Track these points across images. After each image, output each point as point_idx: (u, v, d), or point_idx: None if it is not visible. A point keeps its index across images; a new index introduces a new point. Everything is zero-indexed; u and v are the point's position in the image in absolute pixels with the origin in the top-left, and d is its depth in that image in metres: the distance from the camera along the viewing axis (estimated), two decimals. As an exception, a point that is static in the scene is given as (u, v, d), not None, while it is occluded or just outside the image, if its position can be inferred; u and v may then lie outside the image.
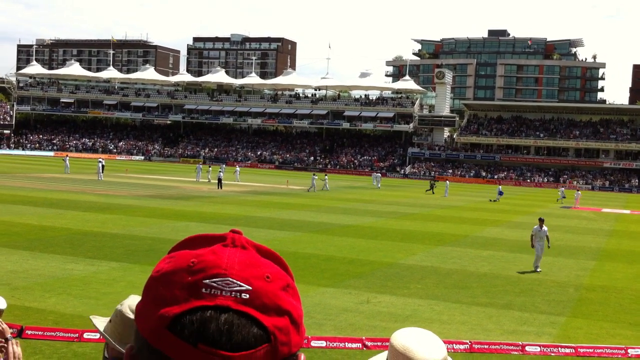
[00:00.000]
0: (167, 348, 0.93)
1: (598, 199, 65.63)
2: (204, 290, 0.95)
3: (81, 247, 19.95)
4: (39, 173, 56.76)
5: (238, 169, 64.59)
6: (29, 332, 10.87)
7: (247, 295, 0.96)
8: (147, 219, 27.63)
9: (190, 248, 1.03)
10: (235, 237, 1.03)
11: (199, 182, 57.07)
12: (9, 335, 4.10)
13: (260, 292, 0.97)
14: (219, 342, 0.92)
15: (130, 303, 2.90)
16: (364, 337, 11.67)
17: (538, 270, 20.05)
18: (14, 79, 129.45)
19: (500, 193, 55.66)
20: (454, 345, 11.51)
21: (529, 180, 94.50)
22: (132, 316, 2.81)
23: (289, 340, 0.98)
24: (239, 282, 0.96)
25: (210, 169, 62.96)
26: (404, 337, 1.88)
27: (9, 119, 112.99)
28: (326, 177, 56.98)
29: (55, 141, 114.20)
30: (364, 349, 11.34)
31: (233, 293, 0.95)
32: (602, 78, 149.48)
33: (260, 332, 0.95)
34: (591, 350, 11.78)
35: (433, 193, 57.46)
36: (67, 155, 68.09)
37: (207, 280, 0.96)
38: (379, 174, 70.52)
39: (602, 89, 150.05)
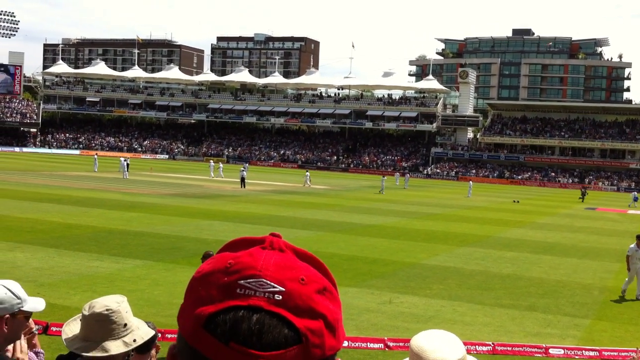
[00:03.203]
0: (202, 346, 0.95)
1: (624, 200, 64.82)
2: (238, 290, 0.97)
3: (106, 244, 20.14)
4: (65, 171, 57.38)
5: (221, 165, 66.35)
6: (54, 328, 11.00)
7: (280, 297, 0.97)
8: (171, 218, 27.83)
9: (232, 250, 1.05)
10: (273, 240, 1.05)
11: (212, 180, 57.75)
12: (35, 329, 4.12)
13: (294, 294, 0.98)
14: (249, 342, 0.93)
15: (93, 300, 2.97)
16: (386, 338, 11.66)
17: None
18: (40, 78, 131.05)
19: (635, 199, 56.05)
20: (477, 347, 11.46)
21: (553, 181, 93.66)
22: (85, 312, 2.90)
23: (322, 343, 0.99)
24: (272, 284, 0.98)
25: (222, 166, 65.84)
26: (421, 339, 1.90)
27: (35, 117, 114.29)
28: (384, 178, 57.19)
29: (81, 140, 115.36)
30: (386, 349, 11.34)
31: (266, 294, 0.97)
32: (628, 78, 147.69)
33: (292, 334, 0.95)
34: (616, 353, 11.66)
35: (582, 201, 58.20)
36: (96, 154, 69.00)
37: (242, 281, 0.98)
38: (407, 175, 70.70)
39: (628, 89, 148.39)
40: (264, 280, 0.98)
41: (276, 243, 1.04)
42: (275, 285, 0.98)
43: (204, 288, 1.01)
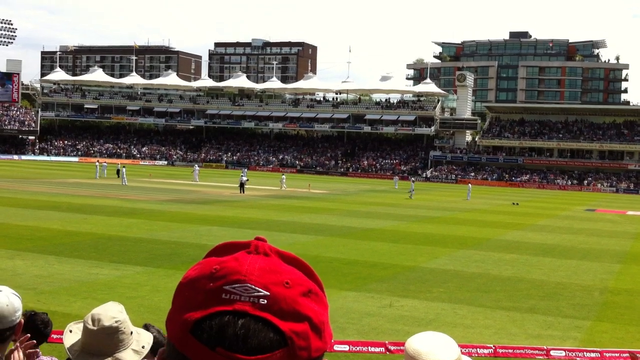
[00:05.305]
0: (189, 351, 0.97)
1: (622, 202, 64.90)
2: (223, 295, 0.99)
3: (106, 251, 20.13)
4: (64, 178, 57.37)
5: (197, 168, 66.27)
6: (54, 336, 10.97)
7: (265, 301, 0.98)
8: (171, 224, 27.82)
9: (218, 255, 1.06)
10: (258, 244, 1.06)
11: (197, 184, 58.33)
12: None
13: (279, 298, 0.99)
14: (235, 346, 0.95)
15: (94, 312, 2.92)
16: (386, 342, 11.65)
17: None
18: (38, 86, 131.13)
19: None
20: (478, 349, 11.45)
21: (552, 183, 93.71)
22: (91, 326, 2.85)
23: (308, 345, 1.00)
24: (257, 288, 0.99)
25: (197, 169, 66.14)
26: (416, 342, 1.92)
27: (33, 125, 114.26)
28: (413, 181, 57.56)
29: (79, 147, 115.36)
30: (387, 353, 11.33)
31: (251, 298, 0.98)
32: (626, 79, 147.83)
33: (277, 337, 0.97)
34: (617, 355, 11.65)
35: None
36: (97, 161, 69.17)
37: (227, 286, 0.99)
38: (413, 180, 67.18)
39: (625, 90, 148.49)
40: (249, 285, 0.99)
41: (261, 247, 1.05)
42: (260, 289, 0.99)
43: (191, 293, 1.02)
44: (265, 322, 0.97)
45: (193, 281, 1.04)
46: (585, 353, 11.69)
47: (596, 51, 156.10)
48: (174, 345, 1.01)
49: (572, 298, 16.64)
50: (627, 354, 11.53)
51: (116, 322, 2.86)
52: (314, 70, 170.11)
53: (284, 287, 1.01)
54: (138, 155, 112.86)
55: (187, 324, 0.99)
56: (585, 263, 22.70)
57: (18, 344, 3.59)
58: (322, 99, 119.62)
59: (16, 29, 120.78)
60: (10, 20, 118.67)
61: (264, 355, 0.95)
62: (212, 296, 0.99)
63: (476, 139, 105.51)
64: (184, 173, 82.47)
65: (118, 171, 59.91)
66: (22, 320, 3.24)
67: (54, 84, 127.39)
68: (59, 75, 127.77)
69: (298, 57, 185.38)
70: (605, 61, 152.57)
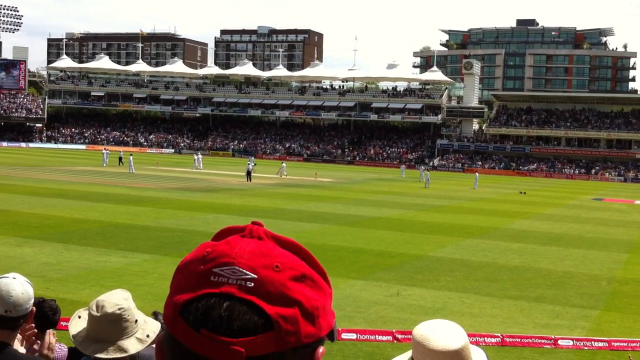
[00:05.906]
0: (177, 333, 0.99)
1: (630, 191, 64.69)
2: (212, 278, 1.00)
3: (113, 239, 20.20)
4: (71, 166, 57.49)
5: (200, 156, 66.92)
6: (63, 323, 11.02)
7: (252, 284, 0.98)
8: (178, 211, 27.87)
9: (216, 240, 1.07)
10: (253, 228, 1.06)
11: (200, 172, 58.82)
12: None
13: (266, 281, 0.99)
14: (219, 328, 0.96)
15: (99, 299, 2.92)
16: (394, 330, 11.68)
17: None
18: (45, 73, 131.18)
19: None
20: (486, 338, 11.46)
21: (559, 172, 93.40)
22: (94, 312, 2.83)
23: (297, 330, 0.99)
24: (245, 271, 0.99)
25: (200, 157, 66.93)
26: (423, 328, 1.94)
27: (40, 112, 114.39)
28: (427, 172, 56.54)
29: (86, 134, 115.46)
30: (395, 341, 11.36)
31: (238, 281, 0.99)
32: (634, 68, 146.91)
33: (262, 320, 0.97)
34: (625, 344, 11.64)
35: None
36: (105, 149, 69.16)
37: (216, 269, 1.00)
38: (423, 169, 64.07)
39: (633, 79, 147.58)
40: (237, 268, 0.99)
41: (255, 231, 1.06)
42: (248, 272, 0.99)
43: (184, 276, 1.04)
44: (250, 305, 0.97)
45: (187, 264, 1.05)
46: (593, 342, 11.68)
47: (604, 39, 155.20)
48: (166, 327, 1.03)
49: (579, 287, 16.62)
50: (637, 344, 11.52)
51: (119, 309, 2.85)
52: (320, 58, 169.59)
53: (273, 270, 1.01)
54: (145, 143, 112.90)
55: (177, 305, 1.00)
56: (592, 252, 22.67)
57: (51, 331, 3.60)
58: (328, 87, 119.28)
59: (22, 15, 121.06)
60: (16, 7, 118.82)
61: (247, 337, 0.95)
62: (202, 279, 1.01)
63: (483, 128, 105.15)
64: (191, 161, 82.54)
65: (120, 159, 60.52)
66: (34, 309, 3.25)
67: (61, 71, 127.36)
68: (65, 62, 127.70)
69: (304, 45, 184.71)
70: (613, 49, 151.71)
